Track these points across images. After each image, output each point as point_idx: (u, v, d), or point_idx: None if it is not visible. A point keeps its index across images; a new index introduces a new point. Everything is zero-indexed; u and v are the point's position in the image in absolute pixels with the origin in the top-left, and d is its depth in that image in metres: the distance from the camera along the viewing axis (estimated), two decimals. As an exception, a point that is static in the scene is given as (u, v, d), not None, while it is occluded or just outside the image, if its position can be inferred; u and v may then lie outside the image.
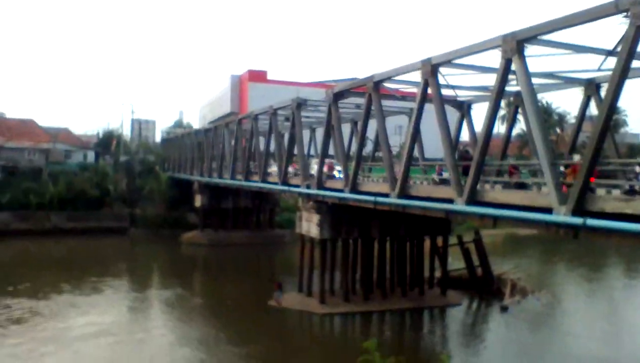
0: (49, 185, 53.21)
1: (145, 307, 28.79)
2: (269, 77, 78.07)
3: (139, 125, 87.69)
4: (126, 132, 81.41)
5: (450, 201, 17.47)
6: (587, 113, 21.04)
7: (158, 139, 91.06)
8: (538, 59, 16.38)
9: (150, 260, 44.58)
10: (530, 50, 14.98)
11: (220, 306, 28.24)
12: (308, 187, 27.32)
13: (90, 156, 64.59)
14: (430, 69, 18.14)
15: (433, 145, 26.63)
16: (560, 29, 14.01)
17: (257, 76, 77.05)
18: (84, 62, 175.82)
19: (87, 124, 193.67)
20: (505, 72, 15.46)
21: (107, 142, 71.20)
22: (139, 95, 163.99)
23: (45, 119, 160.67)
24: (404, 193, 19.96)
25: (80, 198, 53.07)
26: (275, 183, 32.95)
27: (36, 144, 59.65)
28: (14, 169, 55.89)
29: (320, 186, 26.32)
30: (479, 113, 73.23)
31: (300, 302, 27.02)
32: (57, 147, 61.15)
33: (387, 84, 22.57)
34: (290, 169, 32.28)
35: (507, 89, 17.59)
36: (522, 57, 14.68)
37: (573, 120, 38.10)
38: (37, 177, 55.32)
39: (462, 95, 25.21)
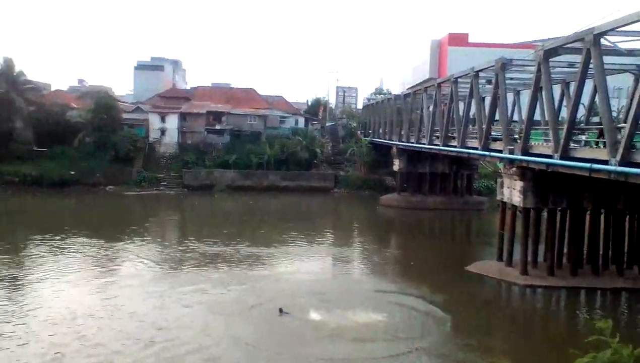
0: (267, 147, 60.33)
1: (345, 258, 31.45)
2: (470, 40, 74.50)
3: (343, 93, 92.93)
4: (331, 99, 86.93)
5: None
6: None
7: (360, 105, 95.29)
8: None
9: (351, 218, 48.04)
10: None
11: (417, 266, 29.05)
12: (511, 152, 26.05)
13: (301, 122, 70.64)
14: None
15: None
16: None
17: (458, 39, 74.06)
18: (298, 37, 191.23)
19: (298, 92, 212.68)
20: None
21: (315, 109, 77.18)
22: (344, 64, 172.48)
23: (264, 88, 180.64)
24: (627, 160, 17.81)
25: (292, 160, 59.36)
26: (475, 149, 32.08)
27: (256, 110, 67.50)
28: (238, 132, 64.42)
29: (525, 151, 24.88)
30: None
31: (499, 271, 26.26)
32: (274, 113, 68.22)
33: (609, 37, 20.03)
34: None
35: None
36: None
37: None
38: (257, 140, 63.02)
39: None
